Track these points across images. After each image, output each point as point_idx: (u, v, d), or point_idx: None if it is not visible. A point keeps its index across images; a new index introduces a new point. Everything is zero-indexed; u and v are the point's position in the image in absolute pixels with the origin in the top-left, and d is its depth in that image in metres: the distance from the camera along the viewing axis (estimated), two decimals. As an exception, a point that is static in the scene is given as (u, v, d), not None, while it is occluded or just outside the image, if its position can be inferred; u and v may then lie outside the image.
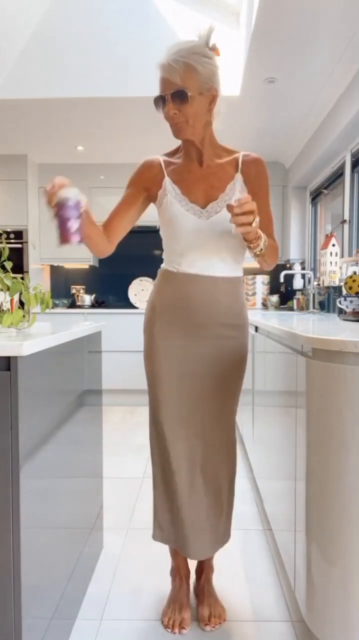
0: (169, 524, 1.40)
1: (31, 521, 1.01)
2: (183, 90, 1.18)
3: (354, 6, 2.14)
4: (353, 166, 3.11)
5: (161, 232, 1.40)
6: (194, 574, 1.58)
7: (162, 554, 1.77)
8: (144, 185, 1.37)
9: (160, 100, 1.21)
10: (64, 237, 1.07)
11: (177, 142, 1.39)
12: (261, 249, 1.22)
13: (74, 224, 1.06)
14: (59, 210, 1.05)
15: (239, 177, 1.32)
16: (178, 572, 1.49)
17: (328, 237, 3.20)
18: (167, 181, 1.33)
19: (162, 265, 1.41)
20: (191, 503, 1.34)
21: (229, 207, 1.08)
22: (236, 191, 1.29)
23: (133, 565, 1.70)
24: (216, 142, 1.36)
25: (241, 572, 1.66)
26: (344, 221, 3.18)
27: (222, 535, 1.42)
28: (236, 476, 1.44)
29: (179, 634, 1.36)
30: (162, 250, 1.43)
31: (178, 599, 1.44)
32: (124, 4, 3.06)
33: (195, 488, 1.35)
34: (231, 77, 3.09)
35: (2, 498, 0.95)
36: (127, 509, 2.15)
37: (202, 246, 1.30)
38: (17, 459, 0.94)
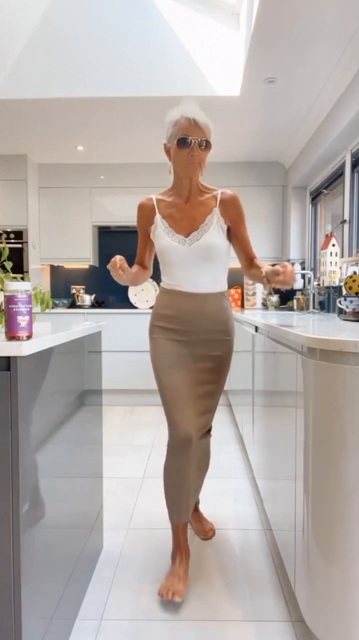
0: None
1: (31, 521, 1.01)
2: (208, 140, 1.55)
3: (353, 6, 2.14)
4: (353, 166, 3.11)
5: (157, 257, 1.71)
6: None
7: (162, 554, 1.77)
8: (144, 224, 1.71)
9: (186, 142, 1.52)
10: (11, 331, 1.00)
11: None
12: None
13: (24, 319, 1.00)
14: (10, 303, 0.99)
15: (216, 210, 1.62)
16: (179, 550, 1.62)
17: (328, 237, 3.20)
18: (157, 217, 1.65)
19: (161, 283, 1.74)
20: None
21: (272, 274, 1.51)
22: (212, 223, 1.61)
23: (133, 565, 1.70)
24: (201, 183, 1.67)
25: (241, 572, 1.66)
26: (344, 221, 3.18)
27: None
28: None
29: (172, 599, 1.47)
30: None
31: (176, 572, 1.57)
32: (124, 4, 3.07)
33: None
34: (231, 77, 3.09)
35: (2, 498, 0.95)
36: (127, 509, 2.15)
37: (187, 269, 1.62)
38: (17, 459, 0.94)
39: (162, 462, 2.75)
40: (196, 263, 1.61)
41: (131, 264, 1.78)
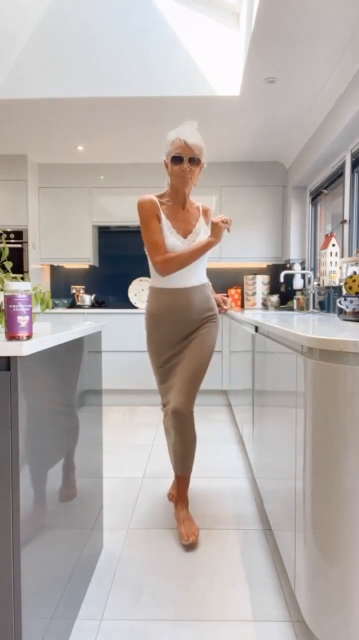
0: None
1: (31, 521, 1.01)
2: (199, 158, 1.88)
3: (354, 6, 2.14)
4: (353, 166, 3.11)
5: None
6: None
7: (162, 554, 1.77)
8: (156, 215, 1.94)
9: (179, 160, 1.86)
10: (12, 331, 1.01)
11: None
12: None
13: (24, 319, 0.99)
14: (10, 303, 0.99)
15: (201, 218, 2.03)
16: (179, 498, 1.99)
17: (328, 237, 3.20)
18: (163, 216, 1.94)
19: (153, 284, 2.04)
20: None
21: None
22: (201, 228, 2.00)
23: (133, 565, 1.70)
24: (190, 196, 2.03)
25: (241, 572, 1.66)
26: (344, 221, 3.18)
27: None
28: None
29: (195, 541, 1.81)
30: None
31: (184, 517, 1.92)
32: (124, 4, 3.07)
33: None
34: (231, 77, 3.09)
35: (2, 498, 0.95)
36: (127, 509, 2.15)
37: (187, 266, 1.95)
38: (17, 459, 0.94)
39: (162, 462, 2.75)
40: (194, 263, 1.96)
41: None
